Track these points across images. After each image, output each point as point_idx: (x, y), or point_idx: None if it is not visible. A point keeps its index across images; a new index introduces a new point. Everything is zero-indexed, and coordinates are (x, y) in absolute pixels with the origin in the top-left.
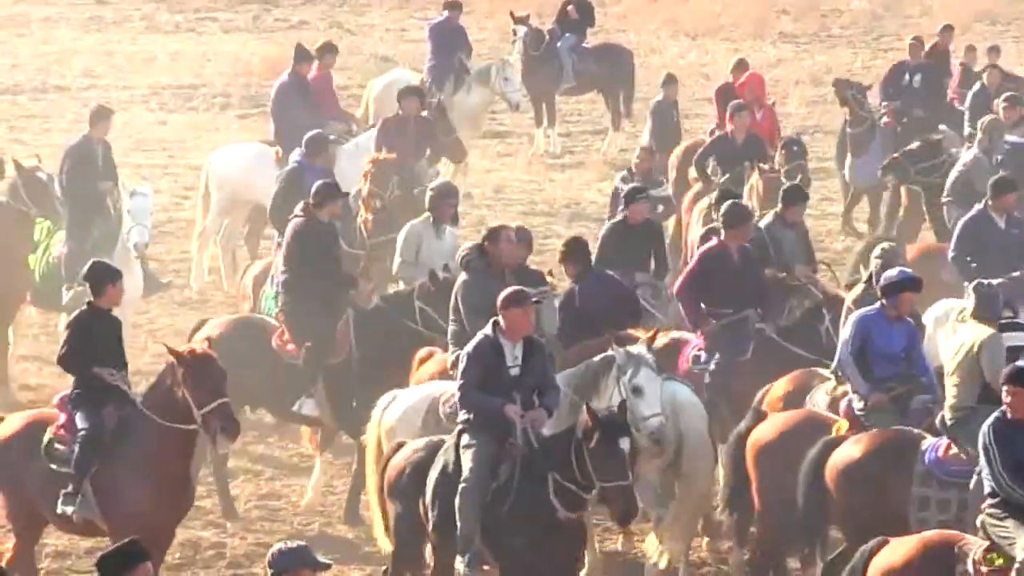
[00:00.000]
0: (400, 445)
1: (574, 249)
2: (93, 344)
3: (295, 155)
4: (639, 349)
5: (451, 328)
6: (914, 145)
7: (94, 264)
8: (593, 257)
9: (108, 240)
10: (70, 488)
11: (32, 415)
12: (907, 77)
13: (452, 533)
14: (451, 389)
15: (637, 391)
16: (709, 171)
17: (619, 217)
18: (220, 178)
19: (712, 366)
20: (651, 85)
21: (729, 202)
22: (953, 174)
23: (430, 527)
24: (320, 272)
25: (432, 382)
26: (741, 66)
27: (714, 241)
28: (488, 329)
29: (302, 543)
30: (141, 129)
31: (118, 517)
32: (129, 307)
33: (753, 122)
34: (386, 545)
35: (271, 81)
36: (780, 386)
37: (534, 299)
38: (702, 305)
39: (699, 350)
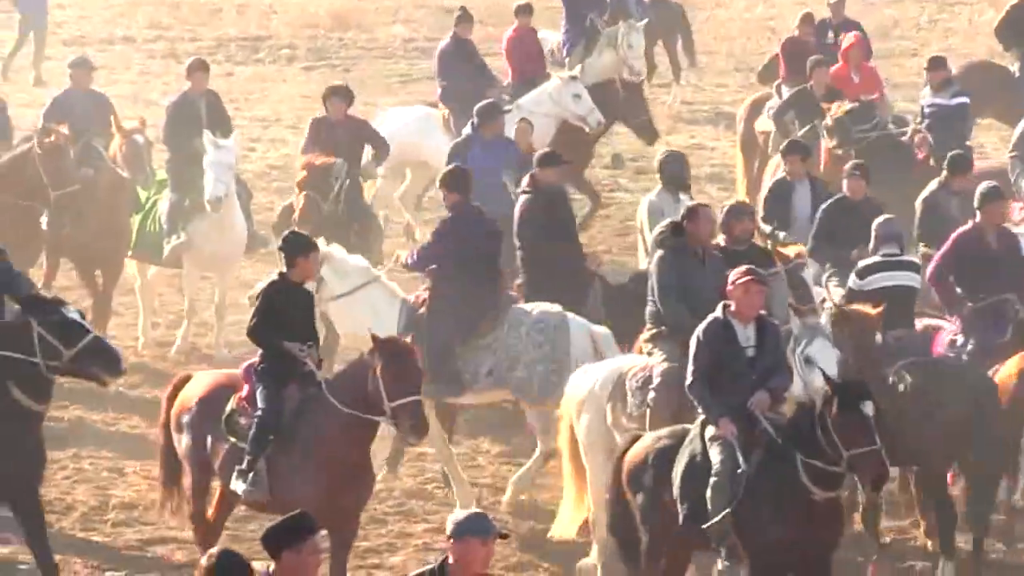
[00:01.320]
0: (636, 437)
1: (457, 178)
2: (283, 317)
3: (467, 128)
4: (817, 320)
5: (648, 308)
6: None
7: (287, 235)
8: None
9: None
10: (244, 465)
11: (220, 377)
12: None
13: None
14: (640, 363)
15: (809, 362)
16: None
17: (840, 193)
18: (387, 140)
19: (969, 348)
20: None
21: (985, 183)
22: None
23: (680, 520)
24: (559, 242)
25: (622, 356)
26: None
27: (969, 224)
28: (718, 311)
29: (478, 511)
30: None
31: (288, 501)
32: (231, 263)
33: (853, 84)
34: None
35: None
36: (1013, 363)
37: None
38: (958, 290)
39: (955, 334)
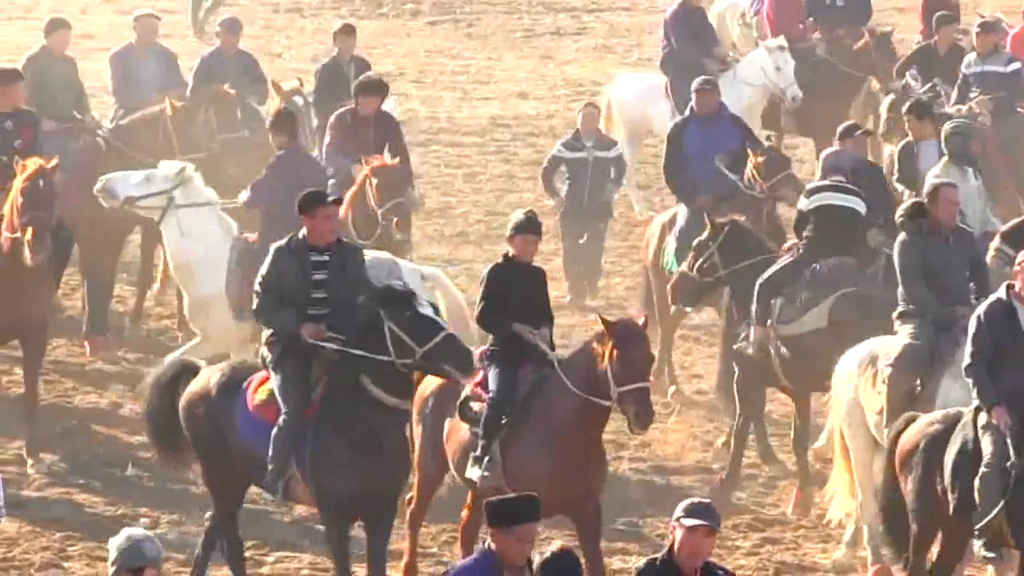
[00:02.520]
0: (912, 419)
1: (283, 120)
2: (510, 298)
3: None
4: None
5: (899, 291)
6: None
7: (517, 215)
8: None
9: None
10: (478, 451)
11: None
12: None
13: (971, 517)
14: (897, 344)
15: None
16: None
17: None
18: (619, 106)
19: None
20: None
21: None
22: None
23: (950, 509)
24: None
25: (879, 337)
26: None
27: None
28: (1001, 292)
29: (705, 501)
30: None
31: (521, 485)
32: None
33: None
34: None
35: None
36: None
37: None
38: None
39: None
